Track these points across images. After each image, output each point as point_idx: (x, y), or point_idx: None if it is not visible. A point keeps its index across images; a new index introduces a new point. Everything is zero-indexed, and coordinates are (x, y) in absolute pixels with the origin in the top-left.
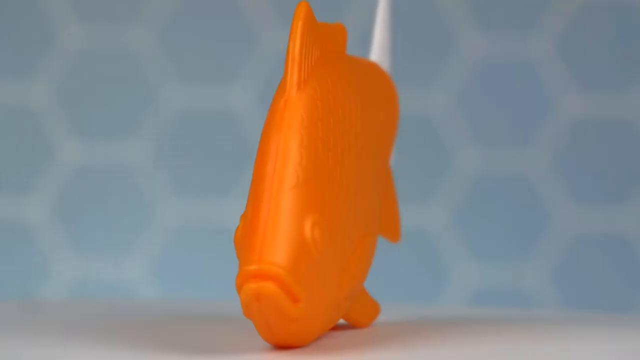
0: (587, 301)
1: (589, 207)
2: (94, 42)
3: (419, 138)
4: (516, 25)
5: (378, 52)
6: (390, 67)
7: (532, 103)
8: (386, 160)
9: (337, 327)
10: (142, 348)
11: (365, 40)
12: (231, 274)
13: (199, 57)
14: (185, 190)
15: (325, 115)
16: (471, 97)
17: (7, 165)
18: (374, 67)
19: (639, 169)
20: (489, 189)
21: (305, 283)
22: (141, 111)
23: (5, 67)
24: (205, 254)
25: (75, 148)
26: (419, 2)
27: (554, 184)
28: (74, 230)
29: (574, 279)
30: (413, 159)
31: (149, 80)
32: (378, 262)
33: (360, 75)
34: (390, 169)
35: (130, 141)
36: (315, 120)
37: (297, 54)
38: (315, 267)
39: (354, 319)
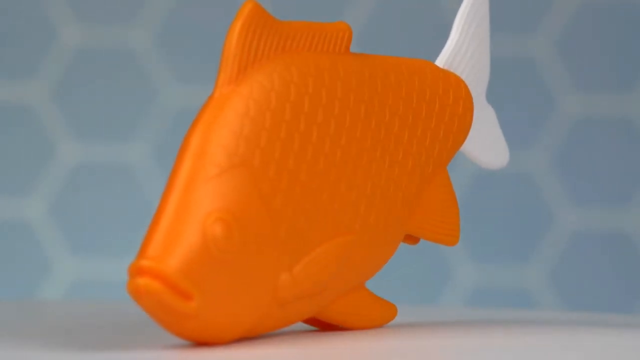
0: (588, 302)
1: (589, 207)
2: (93, 42)
3: None
4: (516, 25)
5: (451, 53)
6: (474, 68)
7: (532, 103)
8: (424, 163)
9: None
10: (142, 348)
11: (367, 38)
12: None
13: (199, 57)
14: None
15: (258, 113)
16: None
17: (7, 165)
18: (422, 67)
19: None
20: (489, 188)
21: (201, 281)
22: (141, 111)
23: (5, 66)
24: None
25: (74, 148)
26: (419, 1)
27: (555, 184)
28: (73, 230)
29: (575, 279)
30: None
31: (149, 80)
32: None
33: (365, 75)
34: (447, 172)
35: (130, 141)
36: (242, 119)
37: (230, 52)
38: (217, 264)
39: (344, 320)
